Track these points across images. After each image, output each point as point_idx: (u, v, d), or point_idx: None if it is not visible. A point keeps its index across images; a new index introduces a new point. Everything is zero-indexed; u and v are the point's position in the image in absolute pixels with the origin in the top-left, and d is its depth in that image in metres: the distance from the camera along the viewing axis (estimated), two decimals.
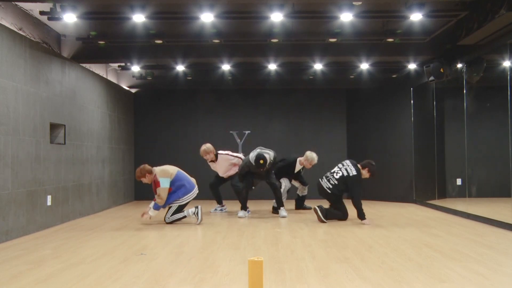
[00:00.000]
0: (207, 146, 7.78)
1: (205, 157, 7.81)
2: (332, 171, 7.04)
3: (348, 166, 6.89)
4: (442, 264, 4.05)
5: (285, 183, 8.17)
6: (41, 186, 6.22)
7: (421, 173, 9.26)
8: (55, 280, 3.65)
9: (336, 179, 6.86)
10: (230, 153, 7.98)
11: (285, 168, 8.18)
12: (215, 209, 8.12)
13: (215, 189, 8.04)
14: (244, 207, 7.51)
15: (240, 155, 8.10)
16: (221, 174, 7.96)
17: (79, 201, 7.48)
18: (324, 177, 7.05)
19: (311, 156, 8.10)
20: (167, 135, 10.60)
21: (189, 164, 10.48)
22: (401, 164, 9.55)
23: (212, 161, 7.86)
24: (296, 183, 8.43)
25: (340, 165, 7.02)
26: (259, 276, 2.63)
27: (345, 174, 6.83)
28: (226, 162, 7.87)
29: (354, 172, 6.78)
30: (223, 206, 8.15)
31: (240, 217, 7.34)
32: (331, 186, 6.87)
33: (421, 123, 9.30)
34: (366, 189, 10.06)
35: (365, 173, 6.85)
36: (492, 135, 9.03)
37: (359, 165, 6.87)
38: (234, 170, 7.89)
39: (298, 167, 8.22)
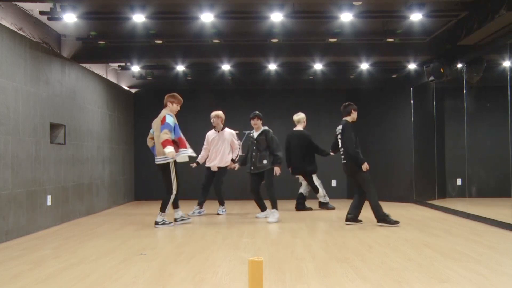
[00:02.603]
0: (221, 112, 7.84)
1: (213, 120, 7.74)
2: (339, 147, 6.69)
3: (338, 129, 6.67)
4: (442, 264, 4.05)
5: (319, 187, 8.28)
6: (41, 186, 6.22)
7: (421, 173, 9.25)
8: (55, 280, 3.65)
9: (342, 146, 6.59)
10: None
11: (309, 148, 8.21)
12: (222, 211, 7.97)
13: (214, 189, 7.86)
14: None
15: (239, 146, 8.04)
16: (214, 152, 7.72)
17: (79, 201, 7.48)
18: (341, 157, 6.70)
19: (298, 117, 8.37)
20: None
21: (188, 163, 10.49)
22: (401, 164, 9.55)
23: (216, 129, 7.78)
24: (301, 179, 8.42)
25: (339, 137, 6.69)
26: (259, 276, 2.63)
27: (341, 135, 6.62)
28: (229, 137, 7.80)
29: (341, 125, 6.59)
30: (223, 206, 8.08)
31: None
32: (345, 158, 6.57)
33: (421, 123, 9.30)
34: None
35: (353, 116, 6.65)
36: (492, 135, 9.03)
37: (345, 117, 6.67)
38: (227, 160, 7.78)
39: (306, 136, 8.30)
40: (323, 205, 8.48)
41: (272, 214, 6.95)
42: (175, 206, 6.68)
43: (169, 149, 6.14)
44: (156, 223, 6.45)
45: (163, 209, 6.40)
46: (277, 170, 6.98)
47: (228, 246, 5.02)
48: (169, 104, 6.52)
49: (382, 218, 6.36)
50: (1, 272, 3.94)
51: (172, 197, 6.39)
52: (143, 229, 6.25)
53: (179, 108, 6.63)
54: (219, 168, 7.78)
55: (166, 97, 6.57)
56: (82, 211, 7.57)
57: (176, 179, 6.38)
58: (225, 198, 8.39)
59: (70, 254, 4.67)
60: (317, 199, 8.57)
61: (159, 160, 6.37)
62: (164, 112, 6.41)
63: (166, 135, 6.18)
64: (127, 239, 5.47)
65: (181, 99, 6.62)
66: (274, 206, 6.98)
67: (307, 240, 5.34)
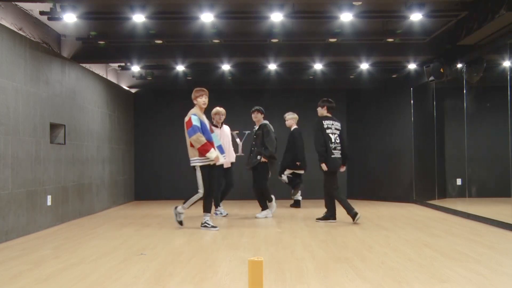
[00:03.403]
0: (222, 109, 7.73)
1: (216, 116, 7.52)
2: (332, 141, 6.68)
3: (335, 123, 6.80)
4: (442, 264, 4.05)
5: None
6: (41, 186, 6.22)
7: (421, 173, 9.25)
8: (55, 280, 3.65)
9: (340, 143, 6.79)
10: None
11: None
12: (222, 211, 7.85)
13: (226, 187, 7.78)
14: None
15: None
16: (224, 144, 7.26)
17: (79, 201, 7.48)
18: (332, 151, 6.69)
19: (294, 115, 8.56)
20: (167, 135, 10.61)
21: (189, 164, 10.49)
22: (401, 164, 9.55)
23: (216, 126, 7.49)
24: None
25: (330, 131, 6.71)
26: (259, 276, 2.63)
27: (339, 132, 6.83)
28: (229, 131, 7.82)
29: (339, 123, 6.92)
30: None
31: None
32: (341, 151, 6.79)
33: (421, 123, 9.30)
34: (366, 189, 10.10)
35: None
36: (492, 135, 9.03)
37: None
38: (234, 154, 7.78)
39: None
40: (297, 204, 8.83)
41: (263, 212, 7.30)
42: (206, 209, 6.22)
43: (213, 153, 5.91)
44: (201, 224, 6.24)
45: (187, 205, 6.14)
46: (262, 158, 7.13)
47: (228, 246, 5.02)
48: (195, 101, 6.22)
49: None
50: (1, 272, 3.94)
51: (197, 197, 6.05)
52: (143, 229, 6.25)
53: (205, 99, 6.21)
54: (232, 163, 7.74)
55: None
56: (82, 211, 7.57)
57: (203, 182, 6.02)
58: (224, 198, 8.38)
59: (70, 254, 4.67)
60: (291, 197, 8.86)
61: (191, 161, 6.12)
62: (189, 113, 6.11)
63: (201, 138, 5.91)
64: (127, 239, 5.47)
65: (203, 89, 6.24)
66: (262, 204, 7.27)
67: (307, 240, 5.34)
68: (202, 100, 6.20)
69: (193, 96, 6.26)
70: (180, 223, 6.34)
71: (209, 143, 6.00)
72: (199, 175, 6.06)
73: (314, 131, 6.78)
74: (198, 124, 5.98)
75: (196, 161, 6.05)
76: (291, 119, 8.58)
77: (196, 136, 5.92)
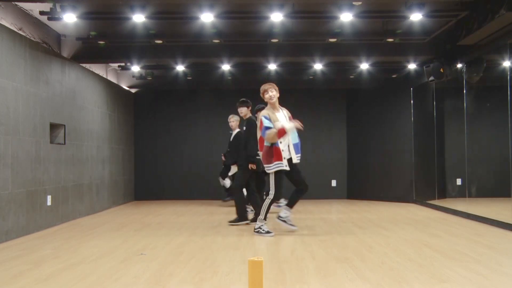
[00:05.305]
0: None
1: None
2: None
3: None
4: (442, 264, 4.05)
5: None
6: (41, 186, 6.22)
7: (421, 173, 9.25)
8: (55, 280, 3.65)
9: None
10: None
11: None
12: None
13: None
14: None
15: None
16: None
17: (79, 201, 7.48)
18: None
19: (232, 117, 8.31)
20: (167, 135, 10.62)
21: (189, 164, 10.51)
22: (401, 164, 9.55)
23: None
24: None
25: None
26: (259, 276, 2.63)
27: None
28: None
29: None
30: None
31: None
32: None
33: (421, 123, 9.30)
34: (366, 189, 10.09)
35: None
36: (492, 135, 9.03)
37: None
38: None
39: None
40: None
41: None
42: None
43: (287, 125, 5.55)
44: (254, 229, 5.82)
45: (261, 214, 5.71)
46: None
47: (228, 246, 5.02)
48: (265, 100, 5.79)
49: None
50: (1, 272, 3.94)
51: (268, 201, 5.66)
52: (143, 229, 6.25)
53: (271, 93, 5.70)
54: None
55: None
56: (82, 211, 7.57)
57: (275, 184, 5.62)
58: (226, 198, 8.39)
59: (70, 254, 4.67)
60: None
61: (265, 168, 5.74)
62: (261, 114, 5.76)
63: (271, 132, 5.50)
64: (127, 239, 5.47)
65: (268, 83, 5.80)
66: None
67: (307, 240, 5.34)
68: (268, 95, 5.74)
69: (261, 95, 5.82)
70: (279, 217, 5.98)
71: (267, 149, 5.61)
72: (272, 178, 5.65)
73: (248, 132, 6.53)
74: (271, 125, 5.58)
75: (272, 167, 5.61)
76: (236, 121, 8.23)
77: (267, 134, 5.54)
